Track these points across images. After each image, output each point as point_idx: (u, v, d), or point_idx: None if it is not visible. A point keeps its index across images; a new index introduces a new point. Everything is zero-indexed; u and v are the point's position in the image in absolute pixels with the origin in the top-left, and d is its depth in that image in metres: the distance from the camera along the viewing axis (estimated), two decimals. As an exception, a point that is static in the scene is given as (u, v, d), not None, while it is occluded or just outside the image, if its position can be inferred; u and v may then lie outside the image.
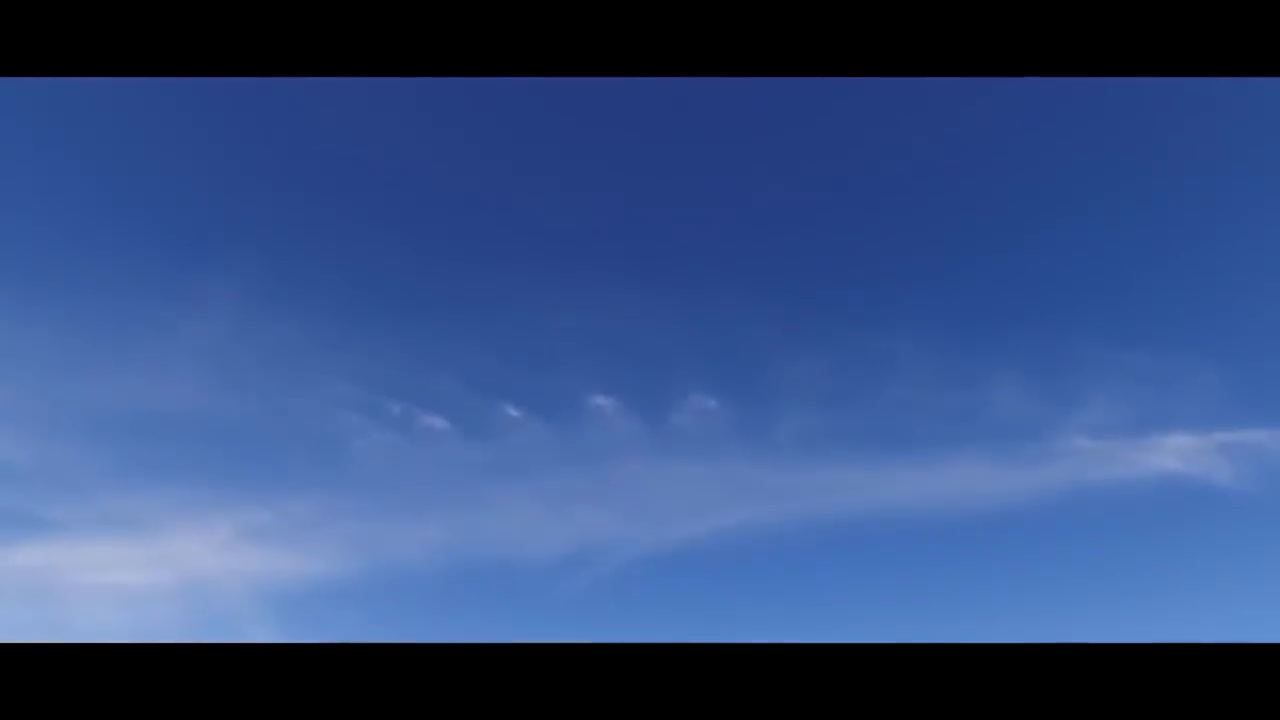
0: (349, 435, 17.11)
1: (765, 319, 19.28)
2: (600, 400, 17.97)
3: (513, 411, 18.00)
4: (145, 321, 17.18)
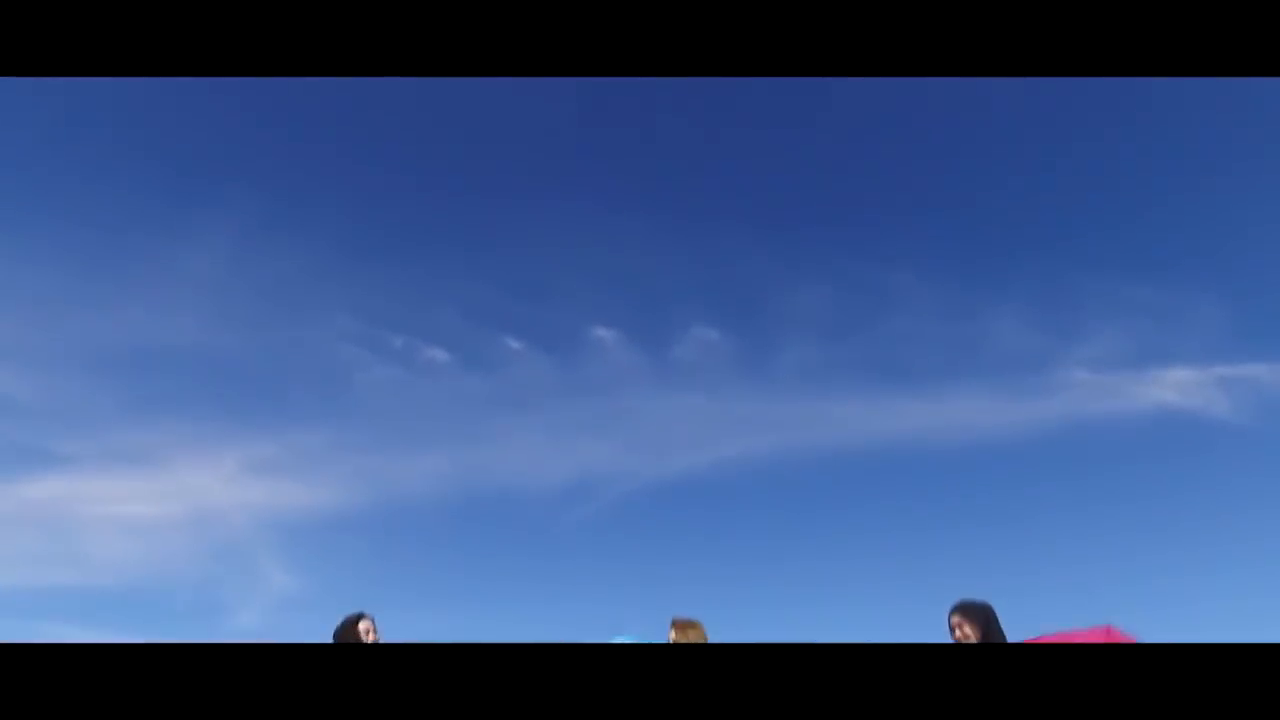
0: (351, 369, 17.22)
1: (766, 251, 19.13)
2: (601, 332, 17.97)
3: (514, 344, 18.03)
4: (145, 257, 17.15)
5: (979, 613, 4.37)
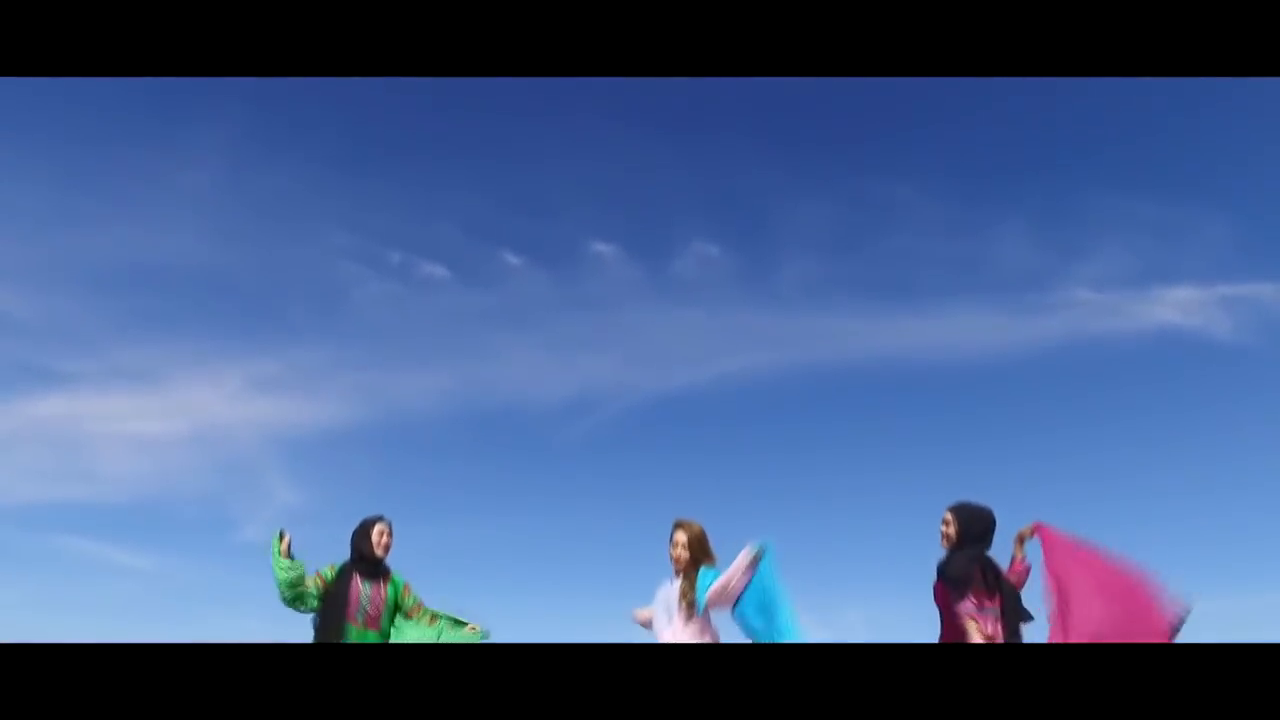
0: (349, 285, 17.04)
1: (767, 165, 18.71)
2: (600, 247, 17.71)
3: (512, 259, 17.79)
4: (139, 174, 16.81)
5: (966, 515, 4.42)
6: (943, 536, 4.47)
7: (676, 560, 4.70)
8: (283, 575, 4.61)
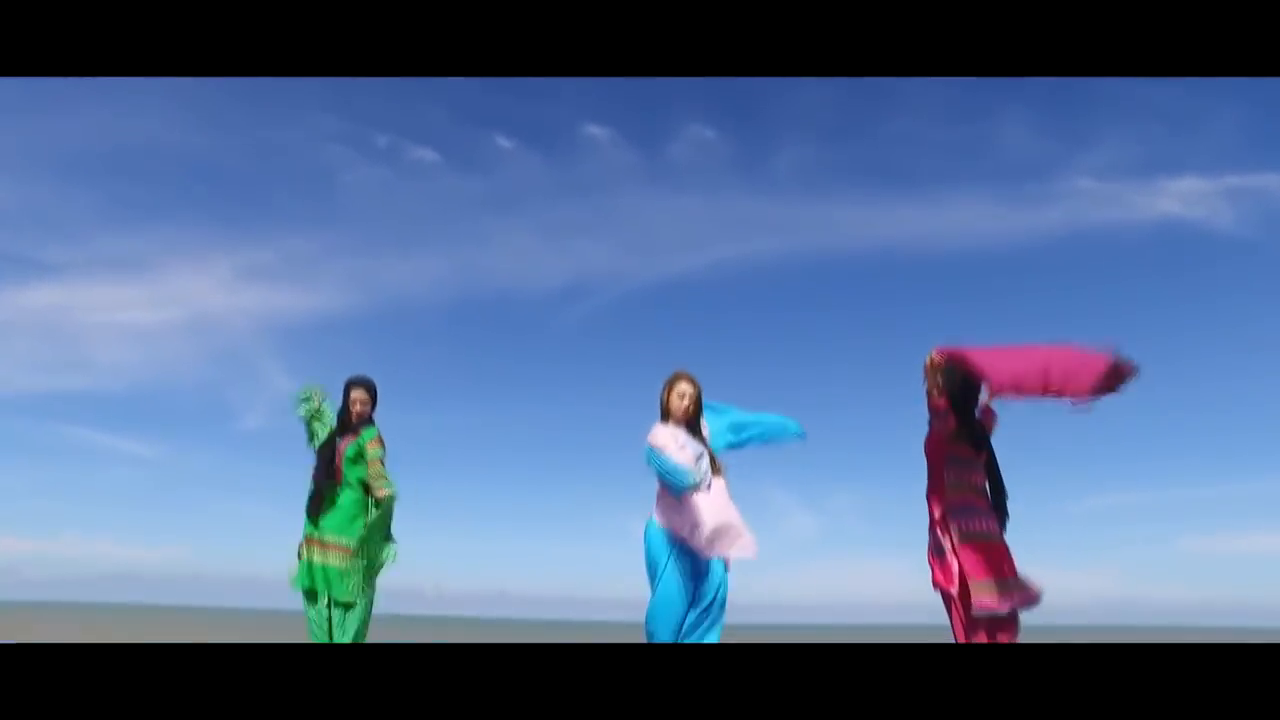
0: (337, 169, 16.73)
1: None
2: (595, 130, 17.35)
3: (504, 143, 17.45)
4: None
5: (947, 358, 4.38)
6: (928, 379, 4.46)
7: (683, 411, 4.60)
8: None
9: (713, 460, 4.46)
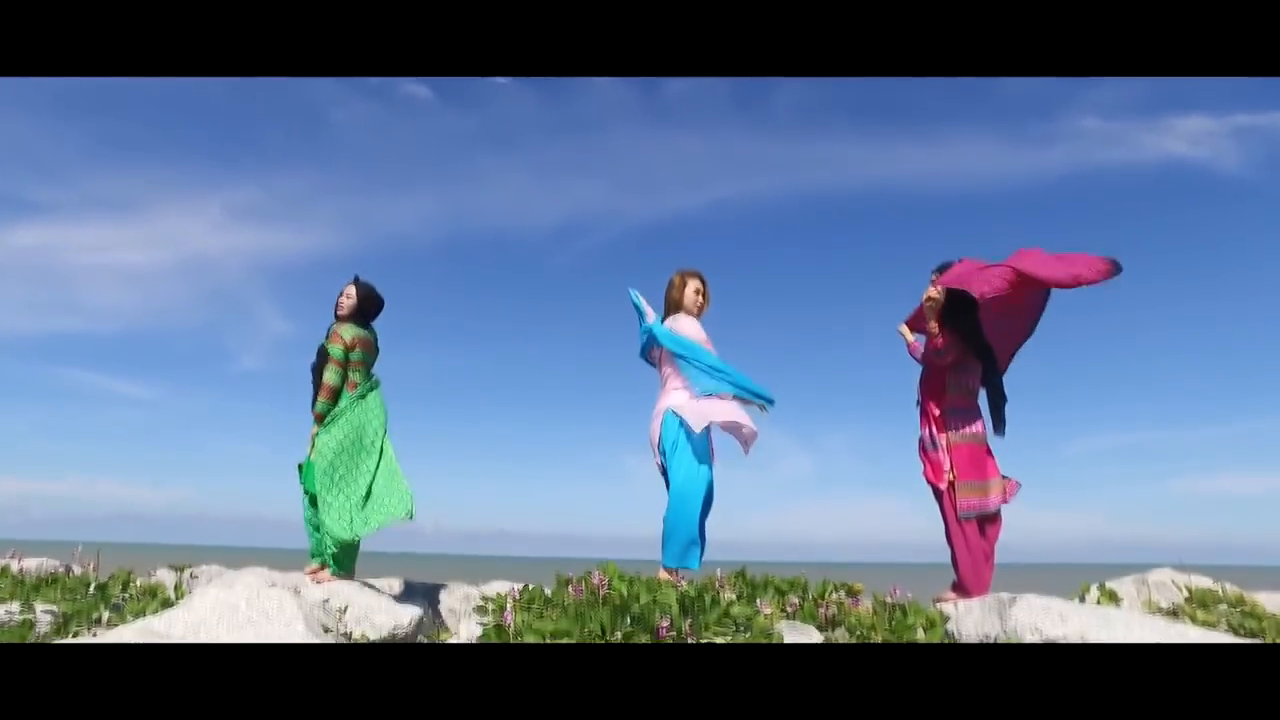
0: (327, 106, 16.48)
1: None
2: None
3: (499, 78, 17.17)
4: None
5: (949, 271, 4.57)
6: (926, 296, 4.62)
7: (699, 308, 4.78)
8: None
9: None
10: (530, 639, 2.57)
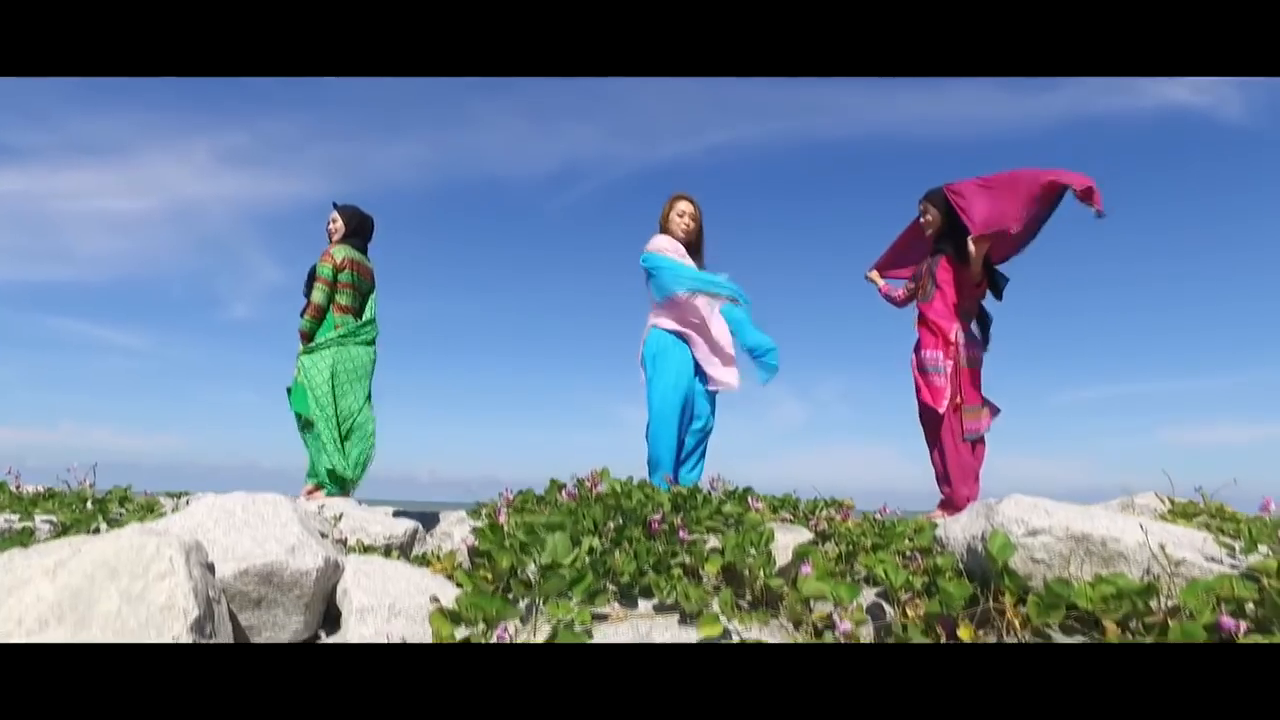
0: None
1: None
2: None
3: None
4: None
5: (940, 200, 4.74)
6: (924, 224, 4.84)
7: (682, 229, 4.73)
8: None
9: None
10: (522, 537, 2.61)
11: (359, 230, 5.13)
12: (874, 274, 5.28)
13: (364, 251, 5.15)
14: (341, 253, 4.94)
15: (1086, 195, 4.08)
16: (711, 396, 4.61)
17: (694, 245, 4.78)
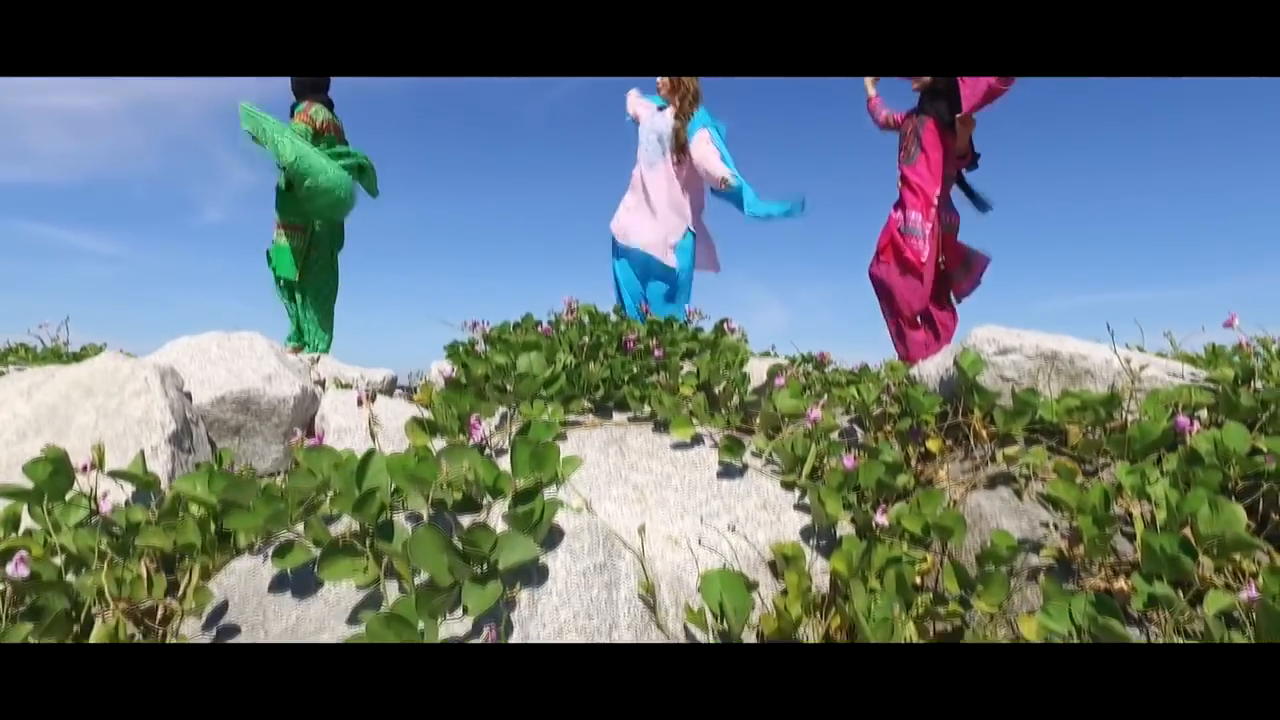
0: None
1: None
2: None
3: None
4: None
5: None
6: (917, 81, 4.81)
7: (659, 84, 4.81)
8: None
9: (678, 142, 4.60)
10: (499, 360, 2.62)
11: (320, 84, 4.88)
12: (870, 82, 5.12)
13: (331, 108, 4.96)
14: (321, 115, 4.73)
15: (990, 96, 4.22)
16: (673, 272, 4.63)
17: (688, 105, 4.73)
